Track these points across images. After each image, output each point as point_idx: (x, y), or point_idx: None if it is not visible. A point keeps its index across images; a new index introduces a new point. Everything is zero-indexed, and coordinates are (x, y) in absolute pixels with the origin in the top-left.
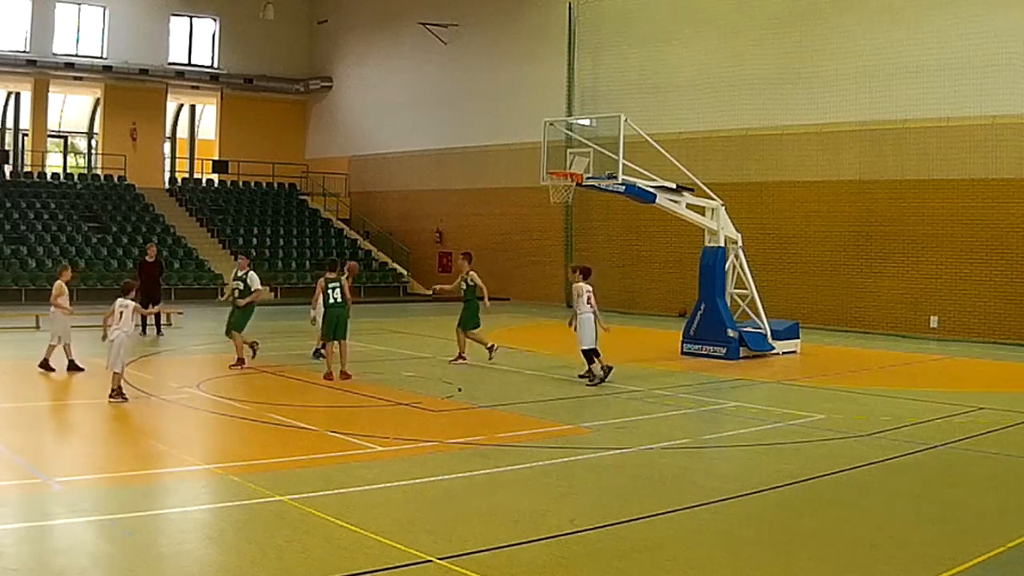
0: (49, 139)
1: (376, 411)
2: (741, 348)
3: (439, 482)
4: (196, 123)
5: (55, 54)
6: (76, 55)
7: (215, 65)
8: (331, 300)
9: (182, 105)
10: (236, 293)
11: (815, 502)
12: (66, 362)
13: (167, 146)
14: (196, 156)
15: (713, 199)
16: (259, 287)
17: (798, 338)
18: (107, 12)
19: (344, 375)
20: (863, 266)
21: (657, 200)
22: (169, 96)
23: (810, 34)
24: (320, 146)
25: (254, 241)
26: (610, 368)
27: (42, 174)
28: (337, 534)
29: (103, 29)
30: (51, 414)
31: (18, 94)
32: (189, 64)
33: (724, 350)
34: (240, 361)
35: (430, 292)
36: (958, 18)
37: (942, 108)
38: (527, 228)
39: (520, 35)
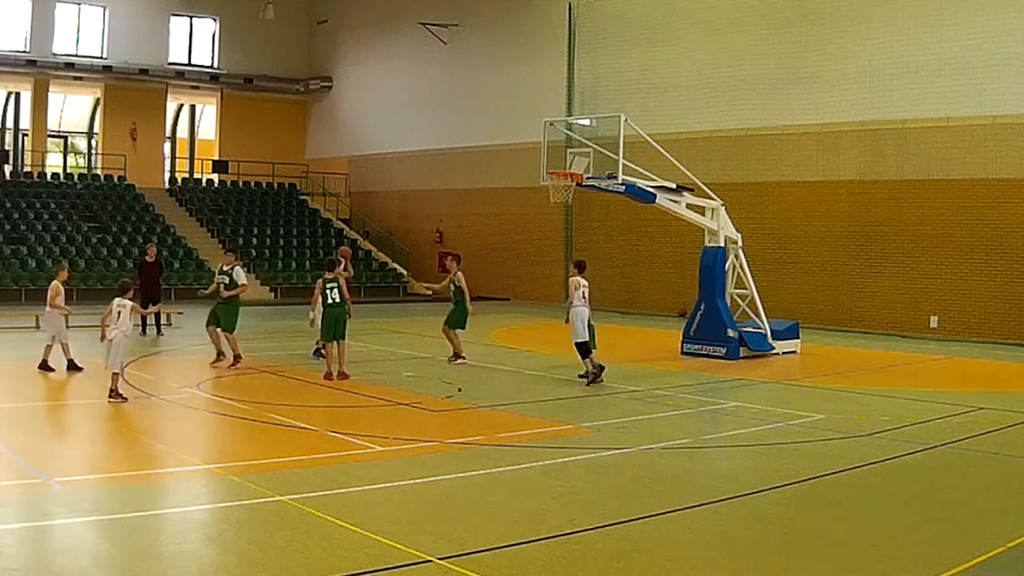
0: (49, 139)
1: (376, 411)
2: (741, 348)
3: (439, 482)
4: (196, 123)
5: (55, 54)
6: (76, 55)
7: (215, 65)
8: (329, 300)
9: (182, 105)
10: (221, 288)
11: (815, 502)
12: (65, 362)
13: (167, 146)
14: (196, 156)
15: (713, 199)
16: (244, 282)
17: (798, 338)
18: (107, 12)
19: (341, 375)
20: (863, 266)
21: (657, 200)
22: (169, 96)
23: (810, 34)
24: (320, 146)
25: (254, 241)
26: (602, 367)
27: (42, 174)
28: (337, 534)
29: (103, 29)
30: (51, 414)
31: (18, 94)
32: (189, 64)
33: (724, 350)
34: (237, 358)
35: (429, 292)
36: (958, 18)
37: (942, 108)
38: (527, 228)
39: (520, 35)
